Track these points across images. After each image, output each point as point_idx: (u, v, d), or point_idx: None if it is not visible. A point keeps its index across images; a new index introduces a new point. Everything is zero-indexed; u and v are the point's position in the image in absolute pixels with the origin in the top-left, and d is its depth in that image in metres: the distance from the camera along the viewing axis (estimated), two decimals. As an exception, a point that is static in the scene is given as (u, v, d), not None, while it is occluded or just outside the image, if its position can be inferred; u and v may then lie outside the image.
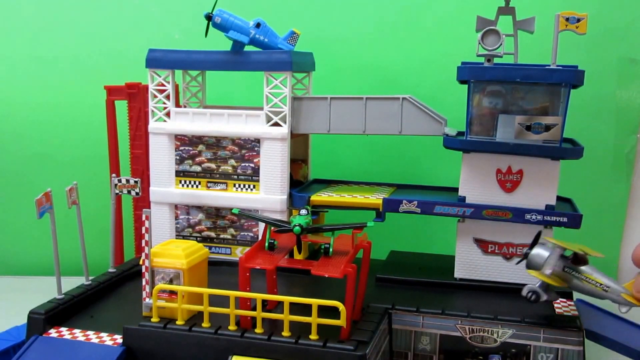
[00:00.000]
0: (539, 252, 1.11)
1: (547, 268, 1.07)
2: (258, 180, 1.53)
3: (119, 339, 1.15)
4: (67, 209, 1.31)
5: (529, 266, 1.13)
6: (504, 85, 1.34)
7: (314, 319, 1.05)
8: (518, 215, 1.36)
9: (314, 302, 1.05)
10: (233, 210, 1.25)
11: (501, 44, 1.32)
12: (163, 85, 1.56)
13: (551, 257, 1.07)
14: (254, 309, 1.08)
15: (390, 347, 1.26)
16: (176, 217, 1.60)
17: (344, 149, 1.92)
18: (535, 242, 1.14)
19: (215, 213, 1.58)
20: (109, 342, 1.15)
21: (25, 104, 1.96)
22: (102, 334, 1.18)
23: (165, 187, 1.58)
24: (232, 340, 1.08)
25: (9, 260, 2.03)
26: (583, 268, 1.07)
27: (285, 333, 1.07)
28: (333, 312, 1.05)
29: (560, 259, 1.08)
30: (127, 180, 1.41)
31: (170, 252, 1.20)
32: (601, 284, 1.05)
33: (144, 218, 1.19)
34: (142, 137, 1.66)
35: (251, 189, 1.53)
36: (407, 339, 1.27)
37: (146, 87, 1.59)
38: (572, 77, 1.28)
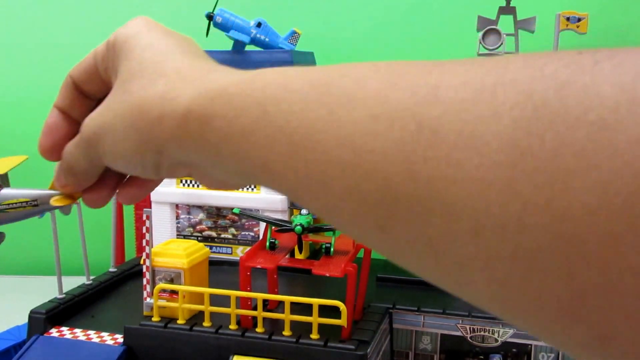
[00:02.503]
0: None
1: None
2: (259, 180, 1.52)
3: (119, 338, 1.15)
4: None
5: None
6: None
7: (314, 319, 1.05)
8: (519, 214, 1.35)
9: (315, 301, 1.04)
10: (234, 210, 1.25)
11: (502, 44, 1.32)
12: (164, 84, 1.55)
13: None
14: (255, 308, 1.08)
15: (391, 347, 1.26)
16: (177, 217, 1.59)
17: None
18: None
19: (216, 212, 1.57)
20: (109, 342, 1.15)
21: (25, 104, 1.96)
22: (103, 334, 1.18)
23: (166, 186, 1.57)
24: (233, 340, 1.08)
25: (9, 260, 2.03)
26: (2, 193, 0.67)
27: (286, 332, 1.07)
28: (334, 312, 1.05)
29: None
30: (128, 180, 1.41)
31: (171, 251, 1.20)
32: (28, 202, 0.67)
33: (144, 217, 1.19)
34: (143, 137, 1.65)
35: (252, 189, 1.53)
36: (407, 338, 1.27)
37: (147, 87, 1.59)
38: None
